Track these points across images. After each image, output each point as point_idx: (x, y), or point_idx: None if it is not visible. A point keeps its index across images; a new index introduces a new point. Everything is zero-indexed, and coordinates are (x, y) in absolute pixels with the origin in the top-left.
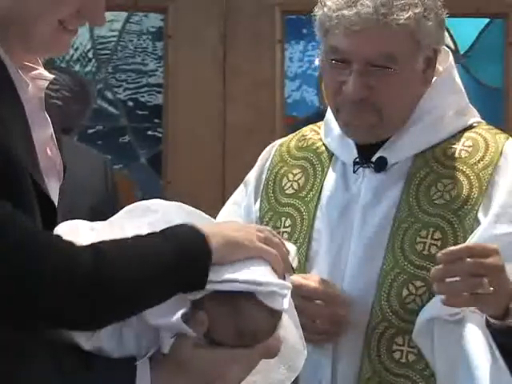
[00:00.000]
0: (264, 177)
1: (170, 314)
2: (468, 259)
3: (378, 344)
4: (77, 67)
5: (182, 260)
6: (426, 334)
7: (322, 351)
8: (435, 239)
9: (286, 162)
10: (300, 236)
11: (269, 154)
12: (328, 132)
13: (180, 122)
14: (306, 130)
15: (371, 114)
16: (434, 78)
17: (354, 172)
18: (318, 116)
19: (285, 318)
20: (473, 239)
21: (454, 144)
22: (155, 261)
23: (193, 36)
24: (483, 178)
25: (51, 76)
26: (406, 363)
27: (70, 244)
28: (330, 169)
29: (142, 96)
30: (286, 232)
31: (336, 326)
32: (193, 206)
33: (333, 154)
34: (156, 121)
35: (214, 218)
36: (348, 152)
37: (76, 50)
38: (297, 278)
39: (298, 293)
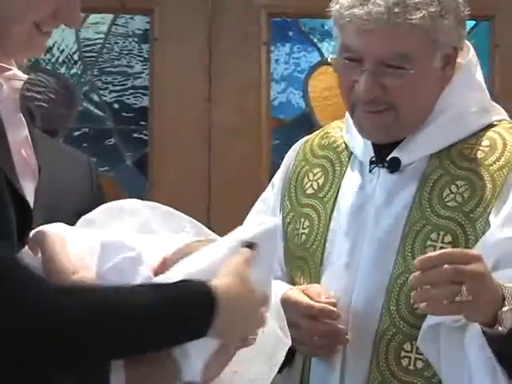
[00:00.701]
0: (288, 176)
1: None
2: (446, 266)
3: (387, 350)
4: (62, 69)
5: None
6: (431, 340)
7: (330, 358)
8: (446, 243)
9: (308, 160)
10: (316, 238)
11: (294, 152)
12: (348, 129)
13: (166, 125)
14: (331, 127)
15: (386, 114)
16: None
17: (370, 171)
18: (304, 118)
19: None
20: (479, 243)
21: (472, 144)
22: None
23: (179, 38)
24: (498, 180)
25: (25, 76)
26: (414, 370)
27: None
28: (349, 168)
29: (128, 98)
30: (304, 234)
31: (335, 340)
32: (178, 209)
33: (352, 153)
34: (142, 123)
35: (200, 220)
36: (365, 151)
37: (62, 52)
38: (294, 294)
39: (294, 310)
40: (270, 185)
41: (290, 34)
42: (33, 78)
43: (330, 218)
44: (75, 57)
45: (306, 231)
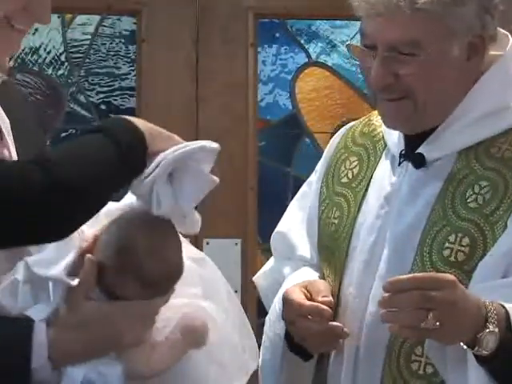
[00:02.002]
0: (329, 162)
1: (55, 265)
2: (415, 291)
3: (399, 352)
4: (49, 70)
5: (123, 154)
6: (438, 347)
7: (342, 356)
8: (463, 245)
9: (347, 147)
10: (344, 230)
11: (338, 137)
12: None
13: None
14: (374, 114)
15: (404, 102)
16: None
17: (399, 165)
18: (291, 119)
19: (219, 315)
20: (494, 247)
21: (501, 142)
22: (100, 159)
23: (166, 39)
24: None
25: None
26: (423, 375)
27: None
28: (383, 159)
29: (115, 99)
30: (333, 223)
31: (332, 339)
32: None
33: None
34: None
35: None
36: (396, 143)
37: (48, 53)
38: (292, 292)
39: (289, 309)
40: (316, 168)
41: (277, 35)
42: (19, 79)
43: (359, 211)
44: (62, 58)
45: (336, 221)
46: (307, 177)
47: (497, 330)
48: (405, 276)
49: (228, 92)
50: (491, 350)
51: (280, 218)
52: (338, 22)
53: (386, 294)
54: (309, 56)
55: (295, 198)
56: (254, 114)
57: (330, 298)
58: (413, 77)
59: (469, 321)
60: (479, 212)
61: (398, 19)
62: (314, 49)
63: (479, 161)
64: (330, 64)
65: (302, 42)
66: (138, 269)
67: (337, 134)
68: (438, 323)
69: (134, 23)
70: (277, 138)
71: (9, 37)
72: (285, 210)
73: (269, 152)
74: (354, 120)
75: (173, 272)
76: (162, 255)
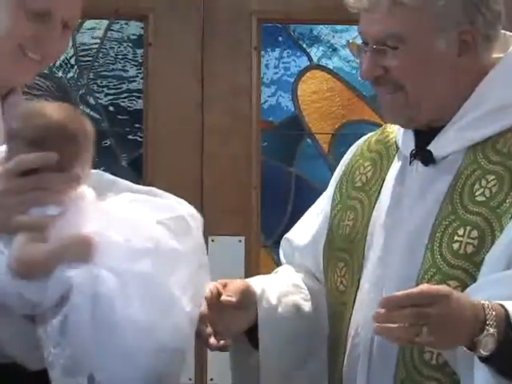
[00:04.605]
0: (343, 169)
1: None
2: (408, 309)
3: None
4: (60, 73)
5: None
6: None
7: (358, 351)
8: (472, 238)
9: (363, 154)
10: (359, 231)
11: (355, 147)
12: None
13: (160, 127)
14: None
15: (397, 94)
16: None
17: (410, 164)
18: (293, 121)
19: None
20: (498, 239)
21: (507, 138)
22: None
23: (172, 43)
24: None
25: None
26: (436, 365)
27: None
28: (395, 161)
29: (123, 101)
30: (348, 226)
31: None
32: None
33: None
34: (136, 125)
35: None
36: (407, 143)
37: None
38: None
39: None
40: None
41: (280, 39)
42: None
43: (372, 212)
44: (72, 61)
45: (351, 224)
46: (309, 176)
47: (495, 331)
48: (401, 293)
49: (232, 94)
50: (490, 351)
51: (282, 216)
52: (338, 27)
53: (382, 310)
54: (310, 59)
55: (313, 206)
56: (257, 115)
57: (227, 298)
58: (399, 69)
59: (465, 329)
60: (486, 205)
61: (379, 13)
62: (315, 52)
63: (486, 156)
64: (330, 67)
65: (304, 45)
66: (18, 129)
67: (355, 144)
68: (431, 337)
69: (142, 28)
70: (279, 138)
71: (21, 63)
72: (287, 208)
73: (272, 152)
74: (354, 121)
75: (51, 127)
76: (38, 112)
